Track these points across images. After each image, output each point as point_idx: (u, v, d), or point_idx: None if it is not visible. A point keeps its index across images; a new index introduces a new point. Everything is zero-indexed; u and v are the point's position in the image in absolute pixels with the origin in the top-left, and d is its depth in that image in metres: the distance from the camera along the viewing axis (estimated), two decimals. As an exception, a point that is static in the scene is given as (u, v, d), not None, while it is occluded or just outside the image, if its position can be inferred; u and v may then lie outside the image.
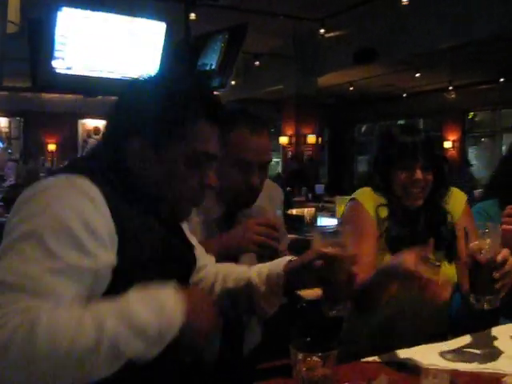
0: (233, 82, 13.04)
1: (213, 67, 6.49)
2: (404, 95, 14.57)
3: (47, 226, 1.19)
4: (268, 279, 1.62)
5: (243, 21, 7.89)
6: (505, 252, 1.61)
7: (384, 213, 2.03)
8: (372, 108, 15.95)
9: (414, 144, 1.98)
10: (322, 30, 9.53)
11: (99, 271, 1.22)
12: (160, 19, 6.39)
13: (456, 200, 2.15)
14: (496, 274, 1.59)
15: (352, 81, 12.94)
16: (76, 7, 6.00)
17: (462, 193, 2.20)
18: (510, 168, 2.47)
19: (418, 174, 1.97)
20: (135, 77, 1.46)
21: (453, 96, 13.53)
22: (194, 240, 1.69)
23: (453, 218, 2.10)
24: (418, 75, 12.11)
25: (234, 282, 1.66)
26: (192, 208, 1.53)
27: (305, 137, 12.74)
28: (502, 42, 9.22)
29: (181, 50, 6.72)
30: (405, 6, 8.08)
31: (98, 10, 6.09)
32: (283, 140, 13.10)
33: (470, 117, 14.85)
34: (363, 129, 18.23)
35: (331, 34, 10.33)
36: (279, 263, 1.63)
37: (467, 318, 2.08)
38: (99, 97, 12.20)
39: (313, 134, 12.80)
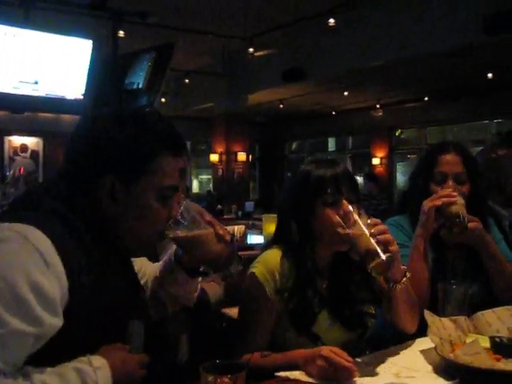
0: (163, 100, 13.04)
1: (140, 86, 6.49)
2: (333, 113, 14.81)
3: None
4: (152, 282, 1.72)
5: (172, 39, 7.93)
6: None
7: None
8: (302, 125, 16.15)
9: (336, 176, 1.90)
10: (251, 49, 9.61)
11: (44, 335, 1.22)
12: (86, 37, 6.37)
13: None
14: None
15: (282, 98, 13.04)
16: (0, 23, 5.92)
17: None
18: (415, 183, 2.51)
19: (346, 207, 1.84)
20: (96, 114, 1.52)
21: (380, 114, 13.83)
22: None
23: None
24: (346, 93, 12.35)
25: None
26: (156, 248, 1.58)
27: (235, 154, 12.80)
28: (427, 62, 9.48)
29: (107, 69, 6.69)
30: (332, 26, 8.25)
31: (22, 27, 6.01)
32: (213, 157, 13.13)
33: (397, 134, 15.23)
34: (294, 146, 18.43)
35: (260, 53, 10.44)
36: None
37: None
38: (26, 113, 12.06)
39: (243, 151, 12.87)
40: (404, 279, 1.88)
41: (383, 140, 14.55)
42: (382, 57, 9.26)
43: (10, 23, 6.02)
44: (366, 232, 1.75)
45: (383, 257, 1.71)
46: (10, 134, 13.80)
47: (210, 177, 14.35)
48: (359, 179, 11.88)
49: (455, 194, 2.27)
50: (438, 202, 2.26)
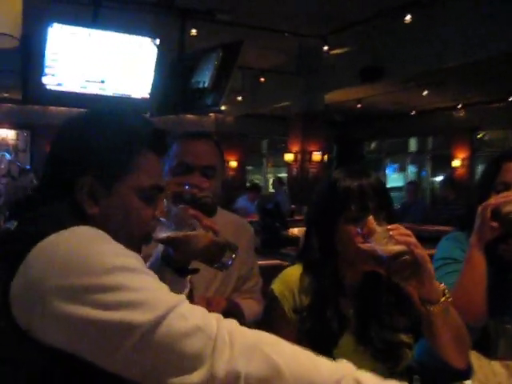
0: (239, 98, 13.01)
1: (205, 85, 6.37)
2: (412, 113, 14.38)
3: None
4: None
5: (244, 37, 7.82)
6: None
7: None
8: (380, 125, 15.77)
9: (362, 189, 1.71)
10: (325, 47, 9.39)
11: None
12: (153, 36, 6.30)
13: None
14: None
15: (360, 98, 12.79)
16: (67, 24, 5.92)
17: None
18: (476, 195, 2.20)
19: (371, 225, 1.62)
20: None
21: (461, 114, 13.35)
22: None
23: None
24: (425, 93, 11.96)
25: None
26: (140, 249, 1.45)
27: (310, 154, 12.58)
28: (510, 60, 9.03)
29: (174, 67, 6.62)
30: (410, 23, 7.95)
31: (89, 27, 6.00)
32: (288, 157, 12.95)
33: (479, 136, 14.65)
34: (372, 146, 18.06)
35: (337, 51, 10.20)
36: None
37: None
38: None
39: (318, 151, 12.63)
40: (443, 299, 1.62)
41: (464, 141, 14.00)
42: (461, 55, 8.84)
43: (79, 23, 6.03)
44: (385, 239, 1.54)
45: (405, 257, 1.51)
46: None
47: (285, 175, 14.21)
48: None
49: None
50: (494, 202, 1.98)
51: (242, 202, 11.91)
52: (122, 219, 1.35)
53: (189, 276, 1.67)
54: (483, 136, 14.75)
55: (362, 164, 17.50)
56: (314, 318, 1.72)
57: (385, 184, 1.81)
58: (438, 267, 2.16)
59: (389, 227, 1.58)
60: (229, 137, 15.05)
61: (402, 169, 17.21)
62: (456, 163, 14.01)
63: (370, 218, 1.63)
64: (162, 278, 1.53)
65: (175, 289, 1.57)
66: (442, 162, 15.11)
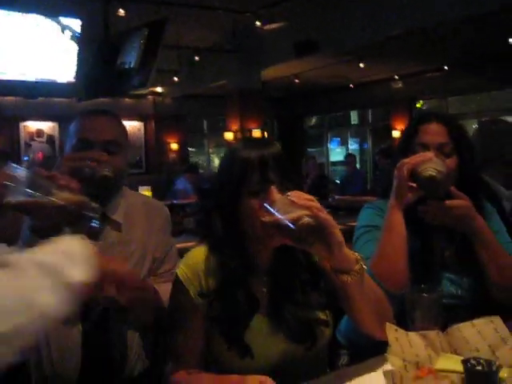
0: (175, 79, 12.80)
1: (132, 65, 6.20)
2: (351, 86, 14.39)
3: None
4: None
5: (175, 15, 7.65)
6: None
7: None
8: (320, 100, 15.75)
9: (262, 159, 1.61)
10: (258, 23, 9.28)
11: None
12: (76, 17, 6.10)
13: None
14: None
15: (297, 73, 12.70)
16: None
17: None
18: (396, 160, 2.10)
19: (274, 197, 1.55)
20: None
21: (400, 85, 13.43)
22: None
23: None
24: (362, 65, 11.95)
25: None
26: None
27: (250, 132, 12.49)
28: (445, 30, 9.08)
29: (100, 50, 6.42)
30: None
31: (6, 9, 5.75)
32: (228, 135, 12.84)
33: (418, 105, 14.79)
34: (313, 121, 18.07)
35: (270, 27, 10.10)
36: None
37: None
38: (40, 98, 11.94)
39: (258, 128, 12.55)
40: (356, 267, 1.56)
41: (404, 112, 14.09)
42: (396, 26, 8.85)
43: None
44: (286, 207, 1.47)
45: (307, 220, 1.44)
46: (25, 119, 13.67)
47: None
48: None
49: (431, 155, 1.94)
50: (409, 161, 1.93)
51: (180, 183, 11.70)
52: None
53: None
54: (422, 106, 14.90)
55: (304, 139, 17.52)
56: (221, 301, 1.63)
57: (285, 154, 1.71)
58: (359, 236, 2.12)
59: (289, 193, 1.49)
60: (168, 118, 14.87)
61: (344, 142, 17.30)
62: (396, 134, 14.08)
63: (272, 188, 1.54)
64: None
65: None
66: (382, 134, 15.20)
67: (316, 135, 17.75)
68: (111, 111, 2.21)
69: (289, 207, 1.47)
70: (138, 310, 1.95)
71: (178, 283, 1.70)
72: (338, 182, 12.62)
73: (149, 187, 9.19)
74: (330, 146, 17.28)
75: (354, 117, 17.03)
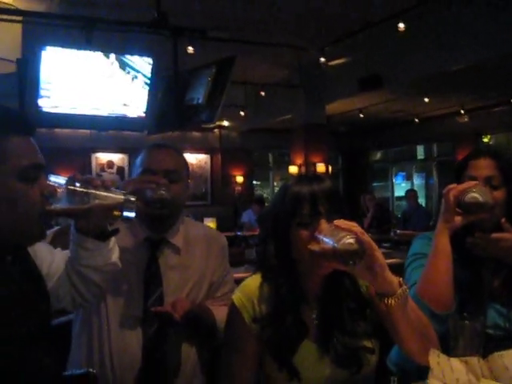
0: (242, 113, 13.08)
1: (200, 101, 6.43)
2: (416, 120, 14.37)
3: None
4: None
5: (241, 52, 7.89)
6: None
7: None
8: (385, 134, 15.78)
9: (313, 193, 1.72)
10: (322, 59, 9.44)
11: None
12: (147, 55, 6.38)
13: None
14: None
15: (361, 107, 12.79)
16: (60, 46, 6.00)
17: None
18: None
19: (322, 227, 1.65)
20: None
21: (465, 119, 13.31)
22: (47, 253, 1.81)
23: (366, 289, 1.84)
24: (426, 100, 11.97)
25: None
26: (42, 226, 1.56)
27: (314, 165, 12.60)
28: (510, 63, 9.02)
29: (169, 86, 6.69)
30: (405, 30, 7.97)
31: (82, 49, 6.07)
32: (292, 169, 12.98)
33: (486, 140, 14.61)
34: (378, 155, 18.04)
35: (335, 62, 10.26)
36: None
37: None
38: (112, 131, 12.39)
39: (322, 162, 12.65)
40: (399, 290, 1.64)
41: (470, 146, 13.91)
42: (460, 60, 8.86)
43: (72, 45, 6.10)
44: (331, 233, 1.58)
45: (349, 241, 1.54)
46: (97, 151, 14.19)
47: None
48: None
49: (476, 182, 2.02)
50: (455, 186, 2.03)
51: (246, 215, 11.97)
52: (9, 204, 1.42)
53: (113, 240, 1.80)
54: (489, 140, 14.72)
55: (369, 174, 17.50)
56: (272, 326, 1.74)
57: (338, 190, 1.83)
58: (409, 263, 2.21)
59: (334, 222, 1.60)
60: (234, 152, 15.13)
61: (409, 177, 17.18)
62: (462, 169, 13.93)
63: (322, 220, 1.66)
64: (85, 249, 1.72)
65: (101, 255, 1.76)
66: (448, 169, 15.05)
67: (381, 169, 17.70)
68: (173, 145, 2.41)
69: (334, 232, 1.58)
70: (192, 326, 2.15)
71: (233, 309, 1.81)
72: (400, 216, 12.55)
73: (214, 219, 9.40)
74: (395, 180, 17.19)
75: (419, 151, 16.90)
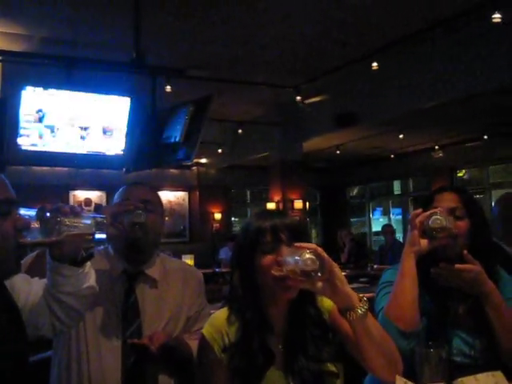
0: (219, 151, 13.20)
1: (177, 140, 6.54)
2: (392, 156, 14.60)
3: None
4: None
5: (219, 91, 8.03)
6: None
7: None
8: (362, 170, 16.00)
9: (275, 226, 1.82)
10: (298, 97, 9.61)
11: None
12: (126, 94, 6.49)
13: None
14: None
15: (338, 144, 12.99)
16: (40, 86, 6.09)
17: None
18: None
19: (284, 252, 1.74)
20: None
21: (440, 155, 13.54)
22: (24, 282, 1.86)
23: (327, 314, 1.91)
24: (401, 136, 12.18)
25: None
26: (17, 260, 1.63)
27: (292, 202, 12.70)
28: (484, 100, 9.24)
29: (147, 124, 6.79)
30: (379, 68, 8.16)
31: (62, 88, 6.17)
32: (270, 206, 13.06)
33: (460, 174, 14.87)
34: (355, 191, 18.23)
35: (311, 100, 10.43)
36: None
37: None
38: (90, 169, 12.44)
39: (300, 199, 12.76)
40: (360, 304, 1.70)
41: (445, 181, 14.18)
42: (433, 98, 9.04)
43: (52, 85, 6.20)
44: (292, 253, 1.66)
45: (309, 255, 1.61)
46: (75, 188, 14.17)
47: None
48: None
49: (440, 208, 2.14)
50: (421, 212, 2.15)
51: (224, 252, 12.04)
52: None
53: (88, 264, 1.86)
54: (463, 175, 14.97)
55: (347, 209, 17.64)
56: (239, 353, 1.80)
57: (303, 224, 1.91)
58: (378, 292, 2.30)
59: (294, 244, 1.69)
60: (212, 189, 15.21)
61: (387, 212, 17.36)
62: (437, 204, 14.10)
63: (283, 247, 1.75)
64: (62, 275, 1.77)
65: (78, 280, 1.81)
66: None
67: (358, 205, 17.88)
68: (150, 184, 2.53)
69: (294, 251, 1.65)
70: (169, 358, 2.22)
71: (203, 342, 1.87)
72: (377, 251, 12.66)
73: (192, 256, 9.43)
74: (372, 215, 17.36)
75: (396, 186, 17.12)
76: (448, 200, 2.26)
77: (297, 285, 1.72)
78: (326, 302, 1.89)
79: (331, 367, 1.86)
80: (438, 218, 2.07)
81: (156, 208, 2.41)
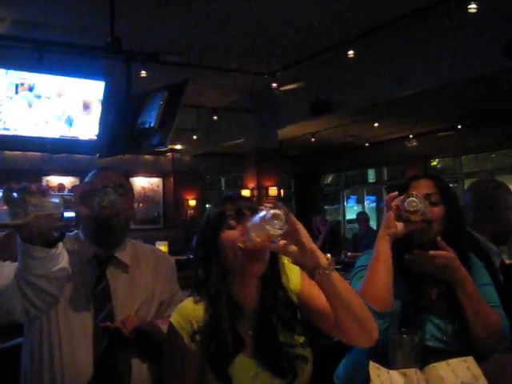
0: (194, 137, 13.14)
1: (152, 125, 6.49)
2: (366, 144, 14.65)
3: None
4: None
5: (194, 76, 7.98)
6: None
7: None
8: (336, 158, 16.04)
9: (238, 205, 1.82)
10: (274, 84, 9.60)
11: None
12: (100, 78, 6.43)
13: (291, 273, 1.92)
14: None
15: (313, 132, 12.99)
16: (12, 69, 6.01)
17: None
18: None
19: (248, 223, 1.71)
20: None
21: (414, 144, 13.61)
22: None
23: (295, 296, 1.89)
24: (376, 125, 12.23)
25: None
26: None
27: (267, 189, 12.71)
28: (458, 89, 9.29)
29: (121, 109, 6.72)
30: (354, 57, 8.19)
31: (34, 71, 6.09)
32: (245, 193, 13.05)
33: (434, 163, 14.98)
34: (330, 179, 18.28)
35: (286, 87, 10.43)
36: None
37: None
38: (63, 154, 12.30)
39: (274, 186, 12.78)
40: (327, 261, 1.67)
41: (418, 170, 14.27)
42: (408, 87, 9.08)
43: (24, 68, 6.11)
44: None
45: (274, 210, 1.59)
46: (48, 173, 14.01)
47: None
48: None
49: (416, 193, 2.14)
50: (397, 195, 2.16)
51: (198, 239, 12.04)
52: None
53: (60, 245, 1.80)
54: (437, 164, 15.09)
55: (321, 197, 17.69)
56: (208, 338, 1.78)
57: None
58: (354, 274, 2.32)
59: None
60: (186, 175, 15.15)
61: (361, 200, 17.44)
62: (412, 192, 14.19)
63: (247, 220, 1.72)
64: (33, 258, 1.73)
65: (51, 262, 1.77)
66: (398, 192, 15.28)
67: (333, 193, 17.93)
68: (122, 170, 2.52)
69: (258, 212, 1.63)
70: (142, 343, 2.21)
71: (172, 330, 1.85)
72: (351, 239, 12.74)
73: (166, 242, 9.39)
74: (347, 203, 17.43)
75: (370, 174, 17.21)
76: (424, 187, 2.27)
77: (266, 249, 1.72)
78: (292, 284, 1.88)
79: (302, 351, 1.85)
80: (413, 200, 2.08)
81: (127, 193, 2.40)
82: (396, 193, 2.18)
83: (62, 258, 1.83)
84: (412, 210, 2.08)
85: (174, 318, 1.85)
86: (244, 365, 1.80)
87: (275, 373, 1.80)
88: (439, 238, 2.11)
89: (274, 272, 1.84)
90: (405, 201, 2.10)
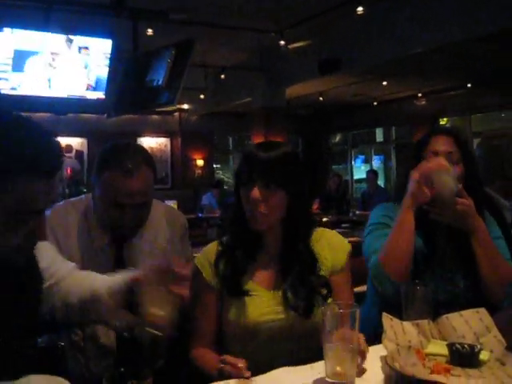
0: (202, 96, 13.07)
1: (160, 83, 6.44)
2: (375, 103, 14.55)
3: None
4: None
5: (201, 35, 7.90)
6: None
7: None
8: (344, 117, 15.95)
9: (252, 161, 1.90)
10: (282, 42, 9.50)
11: None
12: (106, 36, 6.37)
13: (335, 249, 2.01)
14: None
15: (321, 91, 12.90)
16: (18, 28, 5.95)
17: (345, 240, 2.05)
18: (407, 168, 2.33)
19: (254, 193, 1.85)
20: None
21: (423, 103, 13.53)
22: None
23: (327, 271, 1.98)
24: (385, 83, 12.13)
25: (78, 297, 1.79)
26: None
27: (274, 148, 12.65)
28: (468, 47, 9.18)
29: (128, 67, 6.68)
30: (363, 14, 8.08)
31: (40, 30, 6.04)
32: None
33: (442, 123, 14.86)
34: (337, 138, 18.21)
35: (295, 45, 10.31)
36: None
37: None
38: (70, 114, 12.27)
39: (282, 145, 12.72)
40: None
41: (427, 129, 14.11)
42: (418, 44, 8.96)
43: (30, 27, 6.06)
44: None
45: None
46: (56, 134, 13.93)
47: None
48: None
49: (445, 162, 2.14)
50: (425, 166, 2.16)
51: (206, 198, 12.11)
52: None
53: None
54: (446, 123, 14.99)
55: (329, 156, 17.64)
56: (227, 263, 1.96)
57: (287, 161, 1.90)
58: (369, 232, 2.34)
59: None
60: (194, 135, 15.11)
61: (369, 160, 17.40)
62: (420, 151, 14.14)
63: (255, 188, 1.87)
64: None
65: None
66: (406, 151, 15.25)
67: (340, 152, 17.87)
68: (143, 156, 2.25)
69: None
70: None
71: (194, 269, 2.00)
72: (359, 197, 12.76)
73: (175, 201, 9.45)
74: (354, 163, 17.40)
75: (378, 134, 17.12)
76: (445, 143, 2.29)
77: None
78: (332, 258, 2.00)
79: (319, 290, 1.94)
80: (448, 179, 2.09)
81: (150, 193, 2.25)
82: (423, 166, 2.16)
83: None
84: (447, 189, 2.09)
85: (197, 258, 2.02)
86: (262, 297, 1.92)
87: (292, 307, 1.90)
88: (460, 186, 2.12)
89: (294, 226, 1.96)
90: (435, 177, 2.09)
